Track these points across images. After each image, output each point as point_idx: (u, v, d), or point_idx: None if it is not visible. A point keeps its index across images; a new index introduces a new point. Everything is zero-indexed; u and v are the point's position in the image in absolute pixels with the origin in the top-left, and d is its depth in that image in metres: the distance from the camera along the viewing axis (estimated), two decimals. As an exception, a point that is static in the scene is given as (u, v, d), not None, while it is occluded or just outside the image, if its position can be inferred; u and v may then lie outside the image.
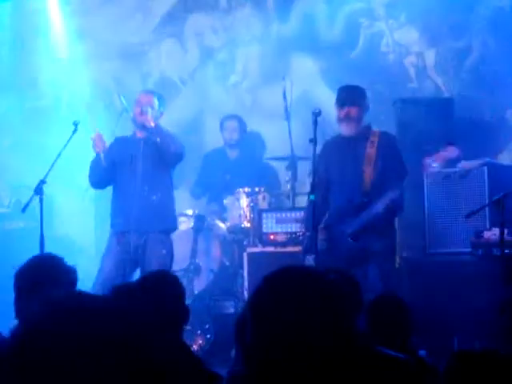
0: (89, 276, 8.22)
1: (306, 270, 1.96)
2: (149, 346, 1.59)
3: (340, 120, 6.39)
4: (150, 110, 6.81)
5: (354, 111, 6.36)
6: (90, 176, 6.98)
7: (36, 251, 5.96)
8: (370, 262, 6.20)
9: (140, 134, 6.85)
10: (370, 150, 6.36)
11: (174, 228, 7.08)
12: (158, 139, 6.69)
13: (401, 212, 6.61)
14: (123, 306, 1.64)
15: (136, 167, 6.70)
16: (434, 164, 6.37)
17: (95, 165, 6.85)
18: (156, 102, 6.93)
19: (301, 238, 7.09)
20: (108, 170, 6.85)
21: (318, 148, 6.25)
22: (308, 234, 6.28)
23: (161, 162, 6.78)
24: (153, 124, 6.76)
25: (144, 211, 6.65)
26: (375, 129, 6.54)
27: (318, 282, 1.91)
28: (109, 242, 6.88)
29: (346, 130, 6.40)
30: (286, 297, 1.88)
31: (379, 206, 6.18)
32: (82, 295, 1.61)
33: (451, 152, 6.37)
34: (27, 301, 3.39)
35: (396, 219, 6.75)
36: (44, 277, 3.43)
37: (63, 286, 3.43)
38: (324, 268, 4.08)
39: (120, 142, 7.01)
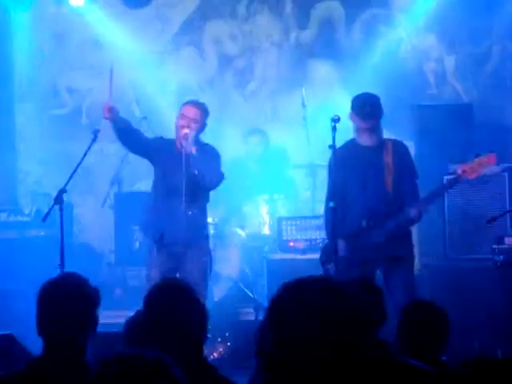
0: (109, 283, 8.27)
1: (326, 281, 1.94)
2: None
3: (363, 130, 6.34)
4: (193, 133, 6.60)
5: (377, 123, 6.34)
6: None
7: (56, 259, 5.99)
8: (394, 270, 6.16)
9: (183, 148, 6.67)
10: (388, 160, 6.34)
11: (206, 237, 6.99)
12: (196, 172, 6.55)
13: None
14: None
15: (177, 181, 6.57)
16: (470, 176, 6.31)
17: (114, 131, 6.77)
18: (201, 116, 6.75)
19: (320, 245, 7.07)
20: (133, 139, 6.74)
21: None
22: (327, 241, 6.26)
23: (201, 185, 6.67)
24: (194, 151, 6.56)
25: (179, 225, 6.58)
26: (386, 137, 6.52)
27: (338, 293, 1.90)
28: (151, 252, 6.82)
29: (368, 140, 6.35)
30: (306, 307, 1.87)
31: (413, 212, 6.17)
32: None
33: (492, 162, 6.29)
34: (49, 319, 3.40)
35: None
36: (68, 296, 3.43)
37: (86, 307, 3.44)
38: (346, 277, 4.02)
39: (164, 145, 6.82)
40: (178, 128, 6.68)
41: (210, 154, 6.73)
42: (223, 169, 6.83)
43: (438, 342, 4.01)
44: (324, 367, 1.82)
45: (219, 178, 6.77)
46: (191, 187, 6.56)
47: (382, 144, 6.37)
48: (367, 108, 6.30)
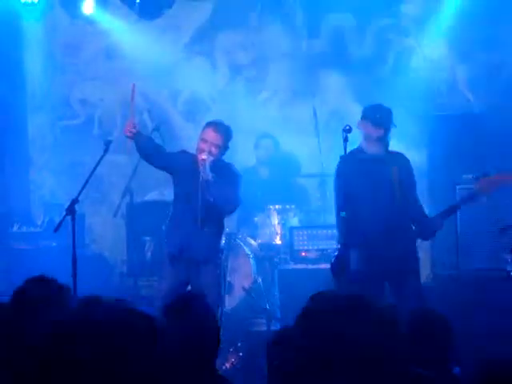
0: (121, 293, 8.26)
1: (357, 296, 1.95)
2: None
3: (372, 138, 6.35)
4: (211, 158, 6.46)
5: (386, 133, 6.35)
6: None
7: (69, 270, 6.00)
8: (404, 283, 6.16)
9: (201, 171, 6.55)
10: (394, 172, 6.35)
11: (219, 252, 7.01)
12: (212, 199, 6.47)
13: None
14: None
15: (193, 202, 6.55)
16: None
17: (136, 149, 6.74)
18: (223, 140, 6.61)
19: (332, 255, 7.07)
20: (155, 157, 6.70)
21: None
22: (337, 252, 6.26)
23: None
24: (211, 178, 6.45)
25: (195, 241, 6.57)
26: (390, 149, 6.53)
27: (367, 308, 1.90)
28: (164, 264, 6.82)
29: (375, 149, 6.37)
30: (335, 319, 1.87)
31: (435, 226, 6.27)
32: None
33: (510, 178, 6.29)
34: (28, 324, 3.40)
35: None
36: (36, 300, 3.44)
37: (57, 306, 3.43)
38: (359, 289, 4.01)
39: (186, 161, 6.73)
40: (198, 151, 6.56)
41: (228, 178, 6.60)
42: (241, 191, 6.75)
43: (440, 349, 4.03)
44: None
45: (235, 204, 6.67)
46: (206, 209, 6.54)
47: (388, 155, 6.39)
48: (380, 115, 6.32)
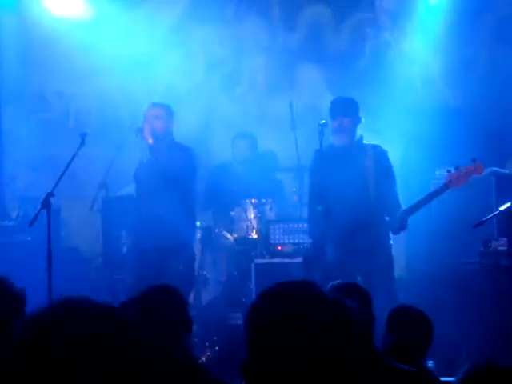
0: (97, 287, 8.23)
1: (308, 287, 1.92)
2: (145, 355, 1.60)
3: (333, 131, 6.45)
4: (151, 125, 6.92)
5: (346, 122, 6.42)
6: None
7: (43, 264, 5.97)
8: (375, 275, 6.19)
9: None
10: (369, 164, 6.38)
11: (189, 242, 7.10)
12: (155, 157, 6.83)
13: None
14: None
15: (148, 186, 6.78)
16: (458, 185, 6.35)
17: None
18: (164, 114, 7.02)
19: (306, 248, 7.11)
20: None
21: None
22: (309, 245, 6.29)
23: (169, 179, 6.82)
24: (151, 141, 6.88)
25: (157, 228, 6.70)
26: (367, 141, 6.58)
27: (318, 300, 1.87)
28: (131, 259, 6.97)
29: (339, 140, 6.45)
30: (283, 314, 1.85)
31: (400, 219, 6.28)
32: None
33: (479, 171, 6.33)
34: None
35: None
36: None
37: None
38: (332, 281, 4.02)
39: (141, 163, 7.20)
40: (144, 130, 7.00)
41: (177, 149, 7.02)
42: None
43: (421, 346, 4.05)
44: (300, 378, 1.79)
45: (185, 163, 6.96)
46: (160, 188, 6.70)
47: (360, 147, 6.43)
48: (335, 106, 6.42)
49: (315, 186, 6.31)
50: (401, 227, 6.35)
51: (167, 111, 7.17)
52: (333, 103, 6.54)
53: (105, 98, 9.55)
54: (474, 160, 6.23)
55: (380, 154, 6.48)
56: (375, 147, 6.53)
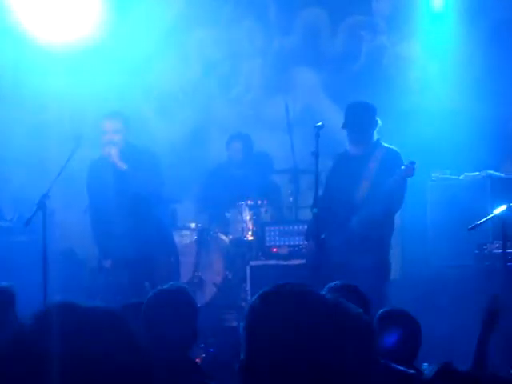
0: (91, 288, 8.23)
1: (305, 288, 1.92)
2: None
3: (348, 140, 6.43)
4: (115, 148, 6.73)
5: (362, 135, 6.39)
6: None
7: (39, 265, 5.97)
8: (358, 279, 6.14)
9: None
10: (372, 165, 6.37)
11: (169, 248, 7.19)
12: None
13: (389, 227, 6.51)
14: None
15: (111, 196, 6.77)
16: None
17: None
18: (122, 127, 6.88)
19: (303, 250, 7.11)
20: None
21: (321, 161, 6.30)
22: (311, 247, 6.30)
23: (133, 187, 6.79)
24: (125, 167, 6.72)
25: (124, 238, 6.72)
26: (383, 144, 6.53)
27: (317, 300, 1.88)
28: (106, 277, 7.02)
29: (354, 151, 6.44)
30: (282, 315, 1.85)
31: (353, 222, 6.25)
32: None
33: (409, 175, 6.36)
34: None
35: (397, 232, 6.73)
36: None
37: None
38: (335, 281, 4.02)
39: (97, 168, 7.03)
40: (104, 146, 6.80)
41: (144, 163, 6.80)
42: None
43: (408, 347, 4.07)
44: (299, 380, 1.79)
45: (153, 187, 6.84)
46: (127, 201, 6.67)
47: (372, 151, 6.41)
48: (351, 118, 6.37)
49: (323, 189, 6.36)
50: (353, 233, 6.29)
51: (125, 121, 6.99)
52: (348, 113, 6.42)
53: (100, 99, 9.54)
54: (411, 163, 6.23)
55: (389, 156, 6.42)
56: (387, 150, 6.48)
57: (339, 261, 6.15)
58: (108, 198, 6.83)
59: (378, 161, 6.38)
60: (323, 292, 1.99)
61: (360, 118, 6.35)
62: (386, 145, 6.54)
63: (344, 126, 6.38)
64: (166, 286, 3.70)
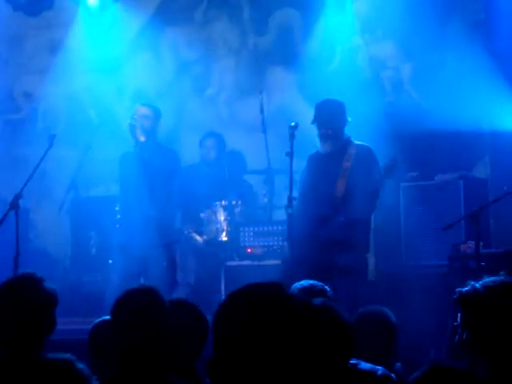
0: (65, 288, 8.18)
1: (274, 288, 1.92)
2: None
3: (319, 138, 6.42)
4: (141, 124, 7.19)
5: (331, 130, 6.39)
6: None
7: (11, 265, 5.92)
8: (337, 277, 6.14)
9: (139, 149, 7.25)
10: (346, 164, 6.38)
11: (176, 240, 7.44)
12: (146, 155, 7.08)
13: (366, 226, 6.51)
14: None
15: (136, 183, 6.98)
16: None
17: None
18: (152, 115, 7.31)
19: (278, 251, 7.12)
20: None
21: (296, 161, 6.31)
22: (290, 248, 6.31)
23: (157, 177, 6.98)
24: (143, 138, 7.12)
25: (144, 227, 6.90)
26: (354, 141, 6.54)
27: (285, 301, 1.87)
28: (114, 257, 7.11)
29: (324, 148, 6.44)
30: (247, 316, 1.85)
31: (334, 224, 6.25)
32: None
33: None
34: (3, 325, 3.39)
35: (371, 232, 6.74)
36: (19, 301, 3.41)
37: (40, 310, 3.42)
38: (296, 280, 4.02)
39: (126, 158, 7.37)
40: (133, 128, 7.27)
41: (163, 150, 7.41)
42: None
43: (385, 347, 4.09)
44: (267, 380, 1.79)
45: (169, 162, 7.33)
46: (148, 186, 6.88)
47: (344, 149, 6.41)
48: (319, 114, 6.38)
49: (292, 189, 6.34)
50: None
51: (155, 112, 7.44)
52: (317, 110, 6.43)
53: (73, 98, 9.49)
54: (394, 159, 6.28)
55: (363, 153, 6.43)
56: (360, 146, 6.49)
57: (317, 260, 6.15)
58: (137, 188, 7.12)
59: (351, 159, 6.39)
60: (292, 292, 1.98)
61: (329, 115, 6.37)
62: (358, 142, 6.56)
63: (313, 122, 6.39)
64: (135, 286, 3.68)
